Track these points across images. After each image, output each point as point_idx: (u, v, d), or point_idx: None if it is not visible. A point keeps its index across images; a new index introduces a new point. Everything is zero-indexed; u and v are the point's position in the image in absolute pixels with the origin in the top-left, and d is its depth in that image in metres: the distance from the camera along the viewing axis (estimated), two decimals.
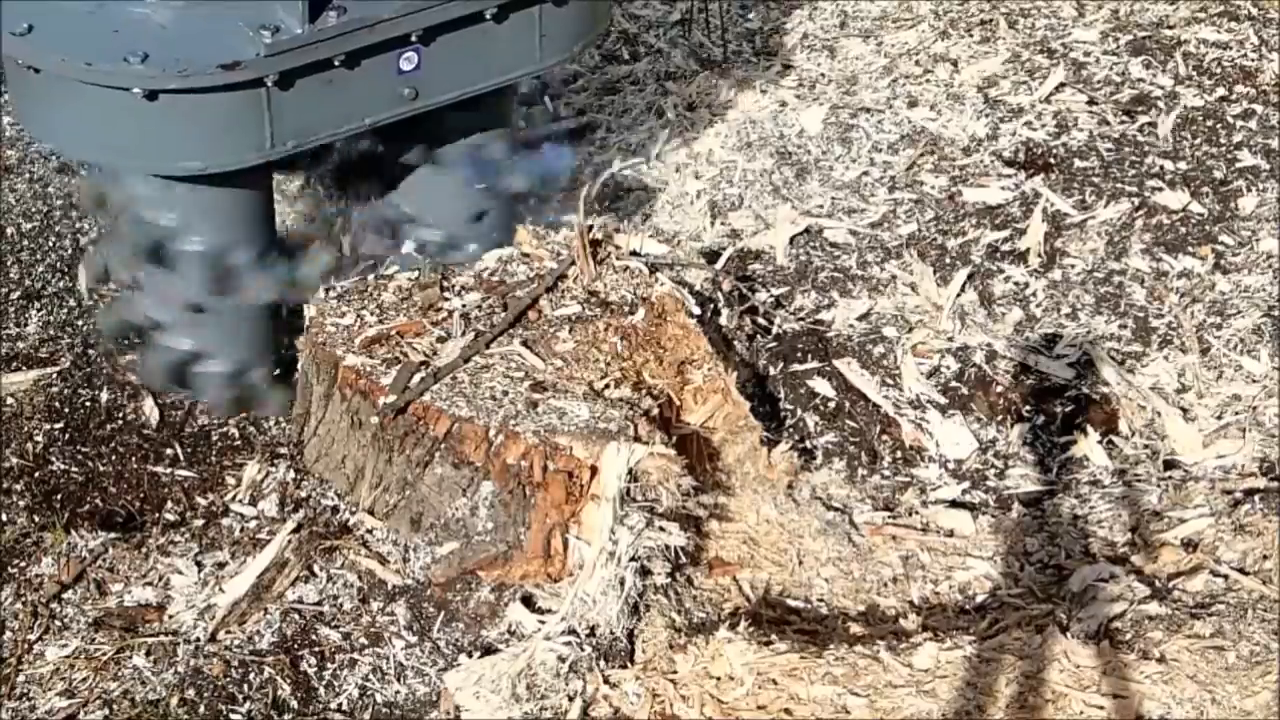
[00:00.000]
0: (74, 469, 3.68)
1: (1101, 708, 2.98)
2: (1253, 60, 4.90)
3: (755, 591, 3.40)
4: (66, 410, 3.82)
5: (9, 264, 4.21)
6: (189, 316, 3.70)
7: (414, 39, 3.46)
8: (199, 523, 3.55)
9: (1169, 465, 3.74)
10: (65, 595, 3.36)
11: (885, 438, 3.87)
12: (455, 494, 3.36)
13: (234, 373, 3.79)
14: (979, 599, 3.42)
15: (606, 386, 3.41)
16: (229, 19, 3.33)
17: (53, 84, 3.38)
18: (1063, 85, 4.84)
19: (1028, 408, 3.92)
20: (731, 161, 4.68)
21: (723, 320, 3.88)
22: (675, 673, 3.13)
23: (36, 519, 3.52)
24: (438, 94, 3.58)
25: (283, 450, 3.71)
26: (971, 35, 5.10)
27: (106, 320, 3.90)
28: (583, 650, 3.16)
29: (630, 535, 3.21)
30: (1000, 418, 3.91)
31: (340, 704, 3.20)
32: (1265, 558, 3.36)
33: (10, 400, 3.82)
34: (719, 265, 4.05)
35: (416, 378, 3.41)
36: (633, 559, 3.22)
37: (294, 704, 3.19)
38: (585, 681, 3.13)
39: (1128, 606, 3.26)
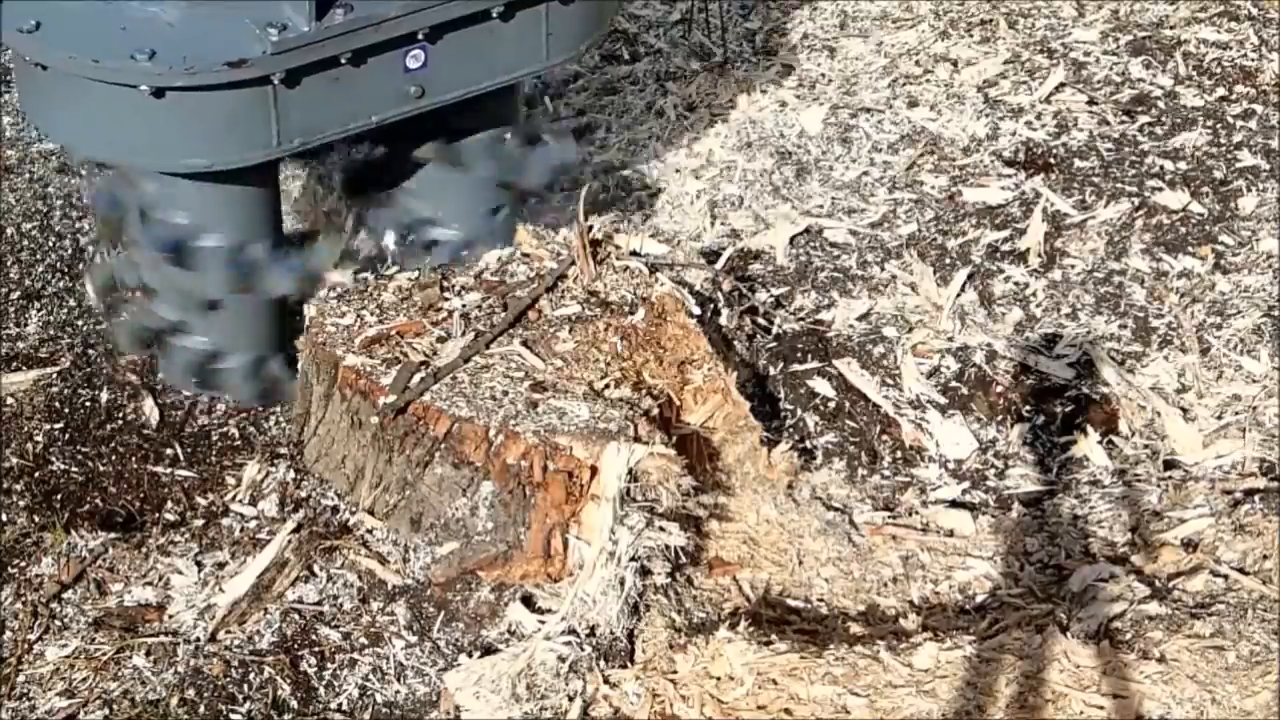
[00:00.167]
0: (74, 469, 3.68)
1: (1101, 708, 2.98)
2: (1253, 60, 4.90)
3: (755, 591, 3.40)
4: (66, 410, 3.82)
5: (9, 264, 4.21)
6: (205, 314, 3.71)
7: (420, 37, 3.47)
8: (199, 523, 3.55)
9: (1169, 465, 3.74)
10: (65, 595, 3.36)
11: (885, 438, 3.87)
12: (455, 494, 3.36)
13: (254, 365, 3.80)
14: (979, 599, 3.42)
15: (606, 386, 3.41)
16: (236, 17, 3.34)
17: (60, 81, 3.39)
18: (1063, 85, 4.84)
19: (1028, 408, 3.92)
20: (731, 161, 4.68)
21: (723, 320, 3.88)
22: (675, 673, 3.13)
23: (36, 519, 3.52)
24: (444, 92, 3.58)
25: (283, 450, 3.71)
26: (971, 35, 5.10)
27: (122, 328, 3.90)
28: (583, 650, 3.16)
29: (630, 535, 3.21)
30: (1000, 418, 3.91)
31: (340, 704, 3.20)
32: (1265, 558, 3.36)
33: (10, 400, 3.82)
34: (719, 265, 4.05)
35: (416, 378, 3.41)
36: (633, 559, 3.22)
37: (294, 704, 3.19)
38: (585, 681, 3.13)
39: (1128, 606, 3.26)
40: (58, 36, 3.34)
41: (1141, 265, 4.24)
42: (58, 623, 3.31)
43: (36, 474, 3.65)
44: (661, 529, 3.24)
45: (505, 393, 3.37)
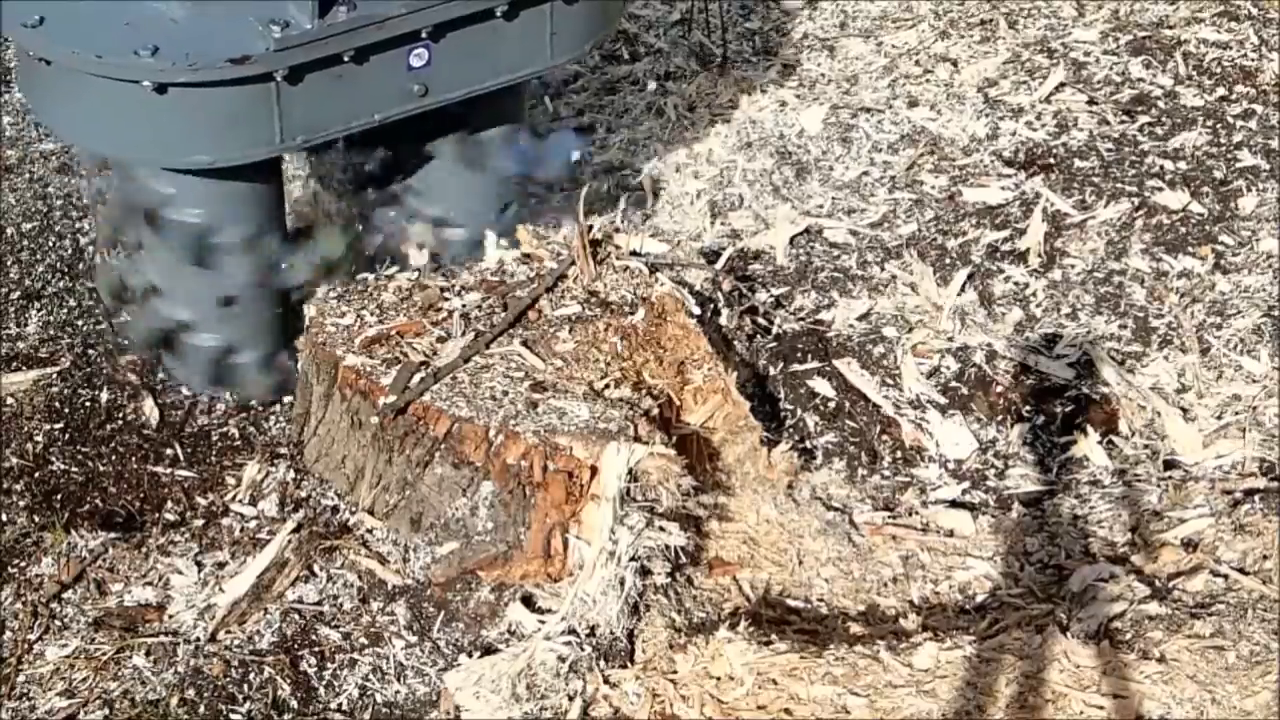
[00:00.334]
0: (74, 469, 3.68)
1: (1101, 708, 2.98)
2: (1253, 60, 4.90)
3: (755, 591, 3.40)
4: (66, 410, 3.82)
5: (9, 264, 4.21)
6: (218, 311, 3.72)
7: (424, 35, 3.47)
8: (199, 523, 3.55)
9: (1169, 465, 3.74)
10: (65, 595, 3.36)
11: (885, 438, 3.87)
12: (455, 494, 3.36)
13: (265, 359, 3.81)
14: (979, 599, 3.42)
15: (606, 386, 3.41)
16: (240, 15, 3.34)
17: (64, 76, 3.40)
18: (1063, 85, 4.84)
19: (1028, 408, 3.92)
20: (731, 161, 4.68)
21: (723, 320, 3.88)
22: (675, 673, 3.13)
23: (36, 519, 3.52)
24: (448, 91, 3.58)
25: (283, 450, 3.71)
26: (971, 35, 5.10)
27: (135, 330, 3.89)
28: (583, 650, 3.16)
29: (630, 535, 3.21)
30: (1000, 418, 3.91)
31: (340, 704, 3.20)
32: (1265, 558, 3.36)
33: (10, 400, 3.82)
34: (719, 265, 4.05)
35: (416, 378, 3.41)
36: (633, 559, 3.22)
37: (294, 704, 3.19)
38: (585, 681, 3.13)
39: (1128, 606, 3.26)
40: (61, 32, 3.36)
41: (1141, 265, 4.24)
42: (58, 623, 3.31)
43: (36, 474, 3.65)
44: (661, 529, 3.24)
45: (505, 393, 3.37)
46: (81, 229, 4.33)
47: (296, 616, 3.33)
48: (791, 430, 3.86)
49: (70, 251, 4.26)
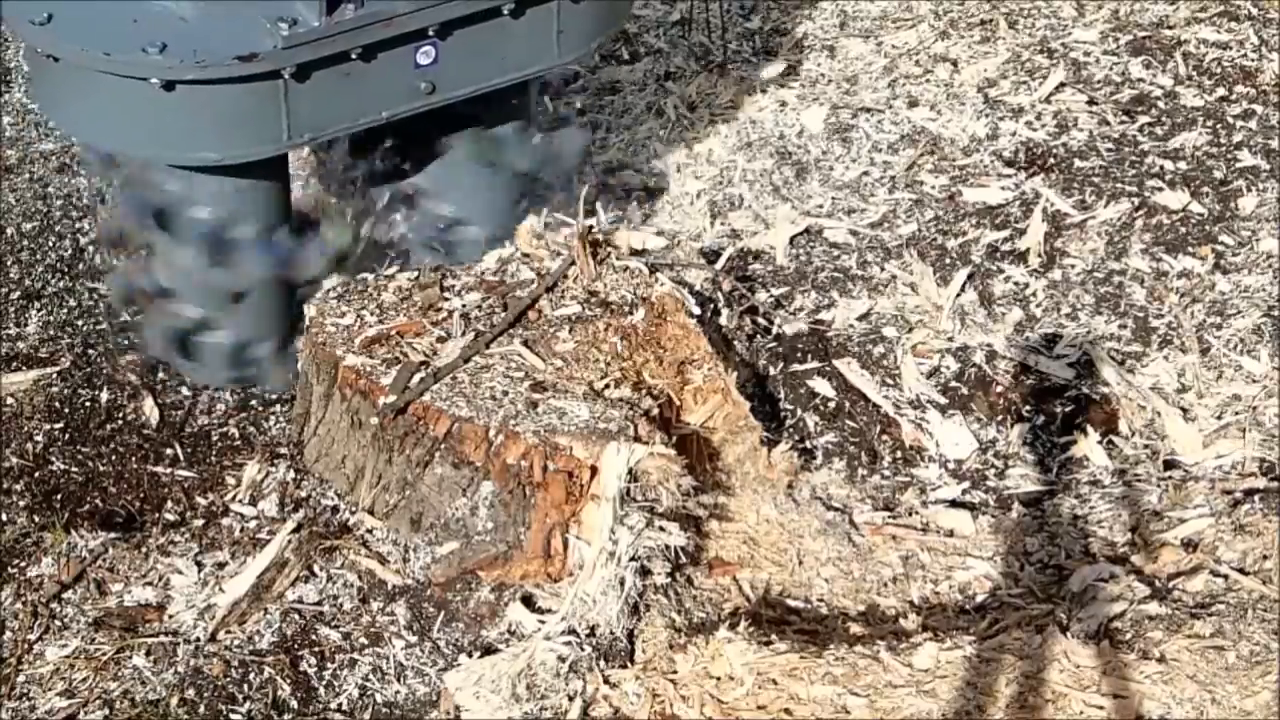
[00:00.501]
0: (74, 469, 3.68)
1: (1101, 708, 2.98)
2: (1253, 60, 4.90)
3: (755, 591, 3.40)
4: (66, 410, 3.82)
5: (9, 264, 4.21)
6: (231, 306, 3.72)
7: (431, 33, 3.48)
8: (199, 523, 3.55)
9: (1169, 465, 3.74)
10: (65, 595, 3.36)
11: (885, 438, 3.87)
12: (455, 494, 3.36)
13: (279, 349, 3.82)
14: (979, 599, 3.42)
15: (606, 386, 3.41)
16: (248, 12, 3.35)
17: (72, 73, 3.41)
18: (1063, 85, 4.84)
19: (1028, 408, 3.92)
20: (731, 161, 4.68)
21: (723, 320, 3.88)
22: (675, 673, 3.13)
23: (36, 519, 3.52)
24: (455, 89, 3.59)
25: (283, 450, 3.71)
26: (971, 35, 5.10)
27: (151, 332, 3.89)
28: (583, 650, 3.16)
29: (630, 535, 3.21)
30: (1000, 418, 3.91)
31: (340, 704, 3.20)
32: (1265, 558, 3.36)
33: (10, 400, 3.82)
34: (719, 265, 4.05)
35: (416, 378, 3.41)
36: (633, 559, 3.22)
37: (294, 704, 3.19)
38: (585, 681, 3.13)
39: (1128, 606, 3.26)
40: (69, 29, 3.37)
41: (1141, 265, 4.24)
42: (58, 623, 3.31)
43: (36, 474, 3.65)
44: (661, 529, 3.24)
45: (505, 393, 3.37)
46: (81, 229, 4.33)
47: (296, 616, 3.33)
48: (791, 430, 3.86)
49: (70, 251, 4.26)
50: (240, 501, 3.60)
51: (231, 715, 3.16)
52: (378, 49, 3.44)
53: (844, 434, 3.87)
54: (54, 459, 3.70)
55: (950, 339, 4.06)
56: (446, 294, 3.65)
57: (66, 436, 3.76)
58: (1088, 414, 3.89)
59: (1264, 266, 4.20)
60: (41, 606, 3.33)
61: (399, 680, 3.25)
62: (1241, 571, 3.34)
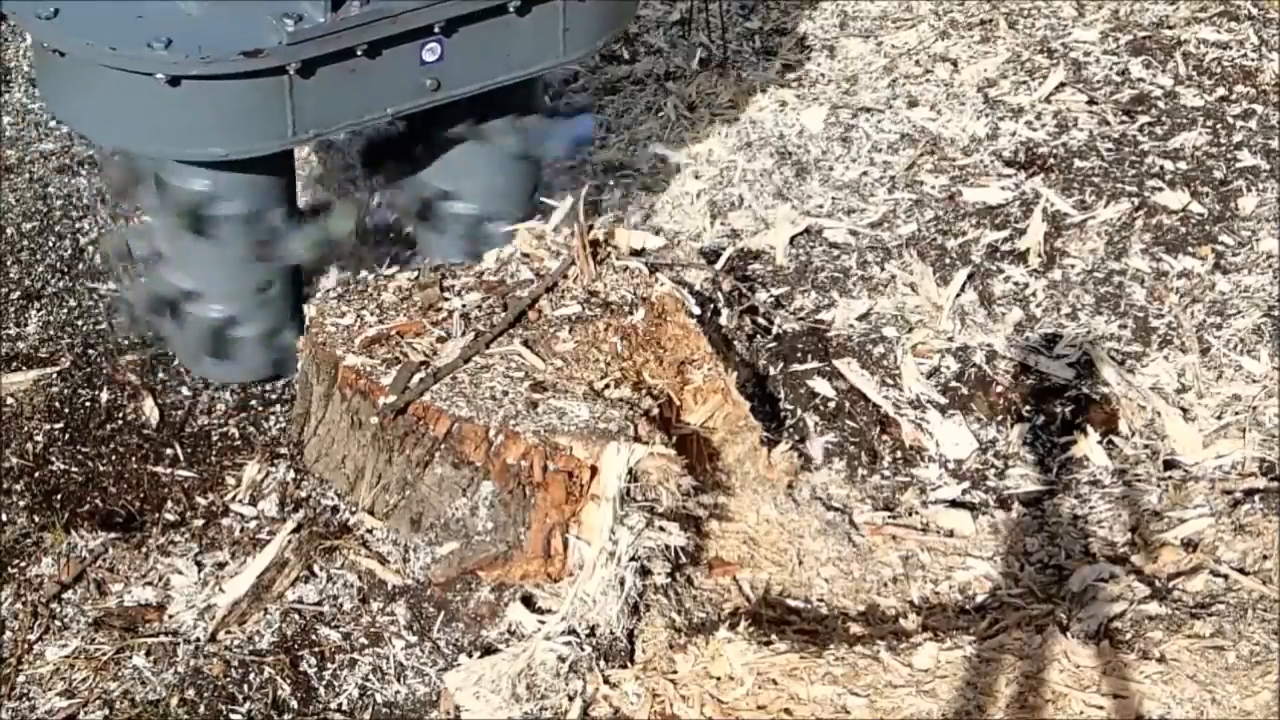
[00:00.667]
0: (74, 469, 3.68)
1: (1101, 708, 2.98)
2: (1253, 60, 4.90)
3: (755, 591, 3.40)
4: (66, 410, 3.82)
5: (9, 264, 4.21)
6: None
7: (436, 30, 3.48)
8: (199, 523, 3.55)
9: (1169, 465, 3.74)
10: (65, 595, 3.36)
11: (885, 438, 3.87)
12: (455, 494, 3.36)
13: (268, 334, 3.84)
14: (979, 599, 3.42)
15: (606, 386, 3.41)
16: (254, 8, 3.35)
17: (78, 68, 3.41)
18: (1063, 85, 4.84)
19: (1028, 408, 3.91)
20: (731, 161, 4.68)
21: (723, 320, 3.88)
22: (675, 673, 3.13)
23: (36, 519, 3.52)
24: (460, 85, 3.60)
25: (283, 450, 3.72)
26: (971, 35, 5.10)
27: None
28: (583, 650, 3.16)
29: (630, 535, 3.21)
30: (1000, 418, 3.91)
31: (340, 704, 3.20)
32: (1265, 558, 3.36)
33: (10, 400, 3.82)
34: (719, 265, 4.05)
35: (416, 378, 3.41)
36: (633, 559, 3.22)
37: (294, 704, 3.19)
38: (585, 681, 3.13)
39: (1128, 606, 3.26)
40: (75, 24, 3.37)
41: (1141, 265, 4.24)
42: (58, 623, 3.31)
43: (36, 474, 3.65)
44: (661, 529, 3.24)
45: (505, 393, 3.37)
46: (81, 229, 4.33)
47: (296, 616, 3.32)
48: (791, 430, 3.86)
49: (70, 251, 4.26)
50: (240, 501, 3.60)
51: (231, 715, 3.16)
52: (383, 45, 3.45)
53: (844, 434, 3.87)
54: (54, 459, 3.70)
55: (950, 339, 4.06)
56: (446, 294, 3.65)
57: (66, 436, 3.76)
58: (1088, 414, 3.89)
59: (1264, 266, 4.20)
60: (41, 606, 3.33)
61: (399, 680, 3.25)
62: (1241, 571, 3.34)
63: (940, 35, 5.09)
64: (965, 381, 3.98)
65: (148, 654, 3.25)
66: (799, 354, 4.03)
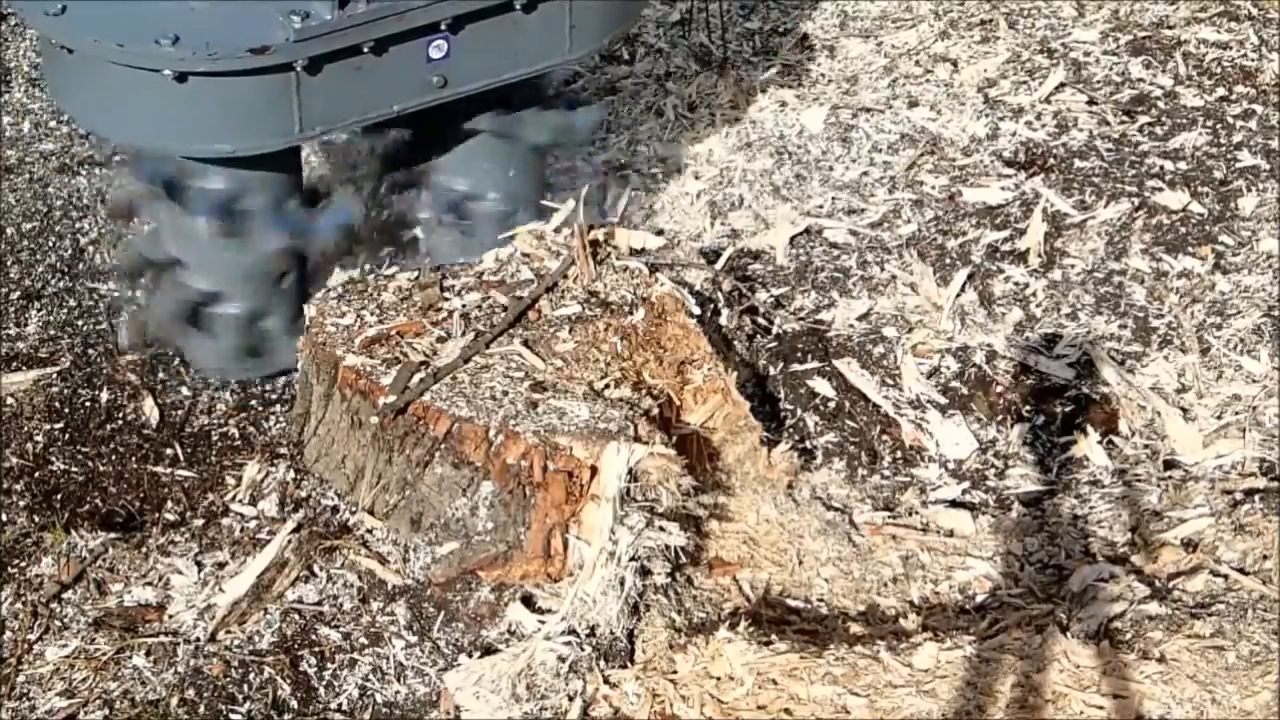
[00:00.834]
0: (74, 469, 3.68)
1: (1101, 708, 2.98)
2: (1253, 60, 4.90)
3: (755, 591, 3.40)
4: (66, 410, 3.82)
5: (9, 264, 4.21)
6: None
7: (443, 27, 3.49)
8: (199, 523, 3.55)
9: (1169, 465, 3.74)
10: (65, 595, 3.36)
11: (885, 438, 3.87)
12: (455, 494, 3.36)
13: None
14: (979, 599, 3.42)
15: (606, 386, 3.41)
16: (261, 6, 3.36)
17: (85, 65, 3.42)
18: (1063, 85, 4.84)
19: (1028, 408, 3.91)
20: (731, 161, 4.68)
21: (723, 320, 3.88)
22: (675, 673, 3.13)
23: (36, 519, 3.52)
24: (467, 83, 3.61)
25: (283, 450, 3.71)
26: (971, 35, 5.10)
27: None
28: (583, 650, 3.16)
29: (630, 535, 3.21)
30: (1000, 418, 3.91)
31: (340, 704, 3.20)
32: (1265, 558, 3.36)
33: (10, 400, 3.82)
34: (719, 265, 4.05)
35: (416, 378, 3.41)
36: (633, 559, 3.22)
37: (294, 704, 3.19)
38: (585, 681, 3.13)
39: (1128, 606, 3.26)
40: (83, 20, 3.38)
41: (1141, 265, 4.24)
42: (58, 623, 3.31)
43: (36, 474, 3.65)
44: (661, 529, 3.24)
45: (505, 393, 3.37)
46: (81, 229, 4.32)
47: (296, 616, 3.32)
48: (791, 430, 3.86)
49: (70, 251, 4.26)
50: (240, 501, 3.60)
51: (231, 715, 3.16)
52: (390, 43, 3.46)
53: (844, 434, 3.87)
54: (54, 459, 3.70)
55: (950, 339, 4.06)
56: (446, 294, 3.65)
57: (66, 436, 3.76)
58: (1088, 414, 3.89)
59: (1264, 266, 4.20)
60: (41, 606, 3.33)
61: (399, 680, 3.25)
62: (1241, 571, 3.34)
63: (940, 35, 5.09)
64: (965, 381, 3.98)
65: (148, 654, 3.25)
66: (799, 354, 4.03)
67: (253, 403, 3.89)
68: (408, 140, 3.94)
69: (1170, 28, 5.05)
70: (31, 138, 4.63)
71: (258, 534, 3.50)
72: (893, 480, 3.77)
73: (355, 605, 3.36)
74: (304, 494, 3.60)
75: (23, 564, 3.43)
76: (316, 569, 3.41)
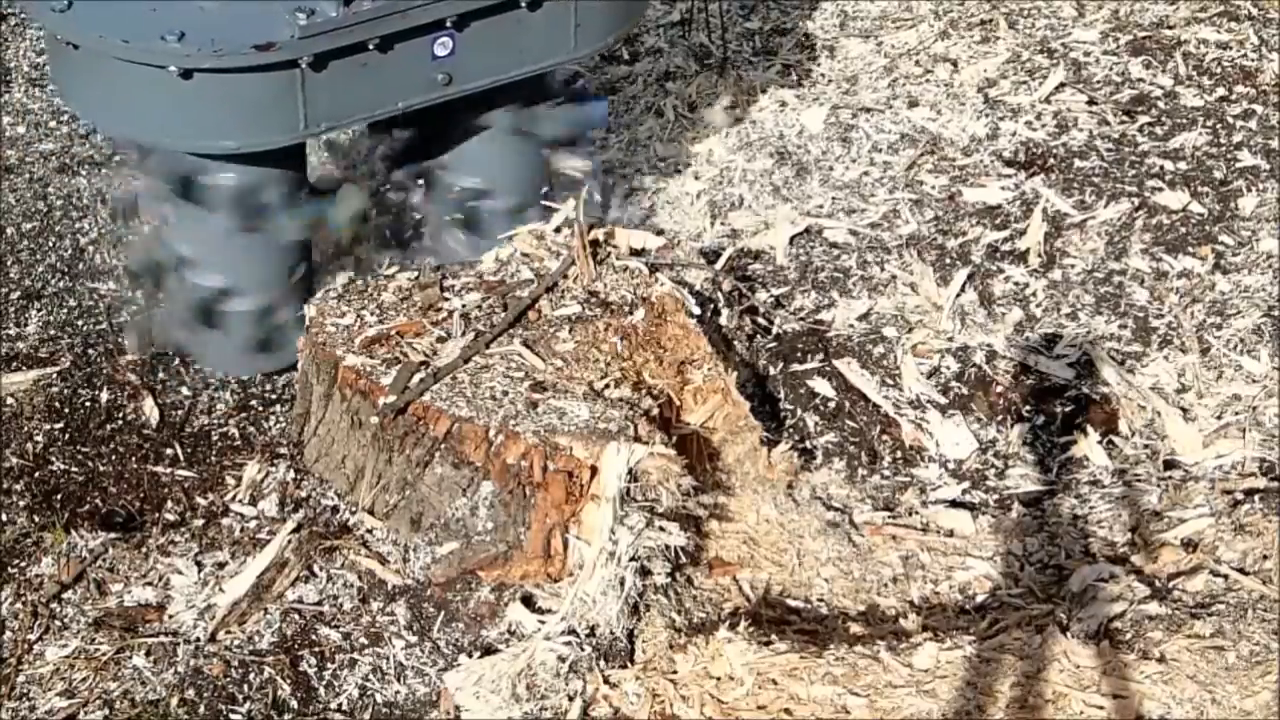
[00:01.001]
0: (74, 469, 3.68)
1: (1101, 708, 2.98)
2: (1253, 60, 4.90)
3: (755, 591, 3.40)
4: (66, 410, 3.82)
5: (9, 264, 4.21)
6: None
7: (448, 25, 3.50)
8: (199, 523, 3.55)
9: (1169, 465, 3.74)
10: (65, 595, 3.36)
11: (885, 438, 3.87)
12: (455, 494, 3.36)
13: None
14: (979, 599, 3.42)
15: (606, 386, 3.41)
16: (267, 2, 3.36)
17: (91, 61, 3.42)
18: (1063, 85, 4.84)
19: (1028, 408, 3.92)
20: (731, 161, 4.68)
21: (723, 320, 3.88)
22: (675, 673, 3.13)
23: (36, 519, 3.52)
24: (472, 80, 3.62)
25: (283, 450, 3.71)
26: (971, 35, 5.10)
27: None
28: (583, 650, 3.16)
29: (630, 535, 3.21)
30: (1000, 418, 3.91)
31: (340, 704, 3.20)
32: (1265, 558, 3.36)
33: (10, 400, 3.82)
34: (719, 265, 4.05)
35: (416, 378, 3.41)
36: (633, 559, 3.22)
37: (294, 704, 3.19)
38: (585, 681, 3.13)
39: (1128, 606, 3.26)
40: (89, 16, 3.39)
41: (1141, 265, 4.24)
42: (58, 623, 3.31)
43: (36, 474, 3.65)
44: (661, 529, 3.24)
45: (505, 393, 3.37)
46: (81, 229, 4.32)
47: (296, 616, 3.33)
48: (791, 430, 3.86)
49: (70, 251, 4.26)
50: (240, 501, 3.60)
51: (231, 715, 3.16)
52: (395, 40, 3.47)
53: (844, 434, 3.87)
54: (54, 459, 3.70)
55: (950, 339, 4.06)
56: (446, 294, 3.65)
57: (66, 436, 3.76)
58: (1088, 414, 3.89)
59: (1264, 266, 4.20)
60: (41, 606, 3.33)
61: (399, 680, 3.25)
62: (1241, 571, 3.34)
63: (940, 35, 5.09)
64: (965, 381, 3.98)
65: (148, 654, 3.25)
66: (799, 354, 4.03)
67: (253, 403, 3.89)
68: (412, 137, 3.94)
69: (1170, 28, 5.05)
70: (31, 138, 4.63)
71: (258, 534, 3.50)
72: (893, 480, 3.77)
73: (355, 605, 3.36)
74: (304, 494, 3.60)
75: (23, 564, 3.43)
76: (316, 569, 3.41)
